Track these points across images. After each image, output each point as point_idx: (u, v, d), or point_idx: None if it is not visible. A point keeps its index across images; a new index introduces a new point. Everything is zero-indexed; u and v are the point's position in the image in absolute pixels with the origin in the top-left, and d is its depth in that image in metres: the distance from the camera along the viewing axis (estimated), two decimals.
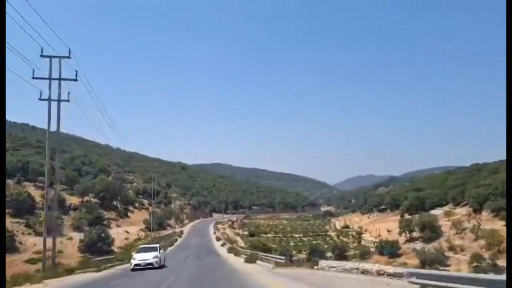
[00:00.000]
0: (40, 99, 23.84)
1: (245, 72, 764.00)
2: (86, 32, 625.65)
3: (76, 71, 24.27)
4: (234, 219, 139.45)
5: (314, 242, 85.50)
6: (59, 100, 24.33)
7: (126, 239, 74.56)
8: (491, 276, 12.96)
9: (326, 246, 76.74)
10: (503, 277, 8.33)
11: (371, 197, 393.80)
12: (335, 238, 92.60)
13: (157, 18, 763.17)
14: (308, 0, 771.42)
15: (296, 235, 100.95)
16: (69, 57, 23.86)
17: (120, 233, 77.60)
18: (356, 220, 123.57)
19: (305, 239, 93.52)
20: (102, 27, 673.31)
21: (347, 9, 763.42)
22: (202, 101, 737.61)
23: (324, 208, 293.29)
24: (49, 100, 23.91)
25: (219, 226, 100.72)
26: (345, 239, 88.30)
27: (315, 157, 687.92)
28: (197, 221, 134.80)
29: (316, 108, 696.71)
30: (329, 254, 60.55)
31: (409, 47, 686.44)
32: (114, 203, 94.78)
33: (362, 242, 79.46)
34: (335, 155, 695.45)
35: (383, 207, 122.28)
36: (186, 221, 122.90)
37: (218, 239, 68.19)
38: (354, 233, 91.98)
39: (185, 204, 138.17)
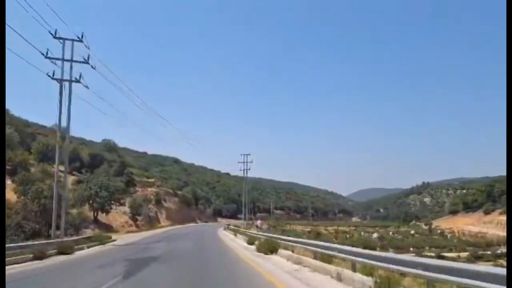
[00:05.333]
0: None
1: (257, 84, 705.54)
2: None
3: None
4: (258, 223, 75.49)
5: None
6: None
7: None
8: None
9: None
10: None
11: (404, 204, 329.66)
12: None
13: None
14: (323, 12, 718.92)
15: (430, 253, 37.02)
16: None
17: None
18: None
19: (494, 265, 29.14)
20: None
21: (357, 20, 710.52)
22: (201, 103, 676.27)
23: (355, 218, 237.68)
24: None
25: (238, 232, 38.04)
26: None
27: (322, 168, 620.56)
28: (190, 224, 70.40)
29: (321, 119, 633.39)
30: None
31: (425, 56, 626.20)
32: None
33: None
34: (342, 167, 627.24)
35: None
36: (163, 223, 58.68)
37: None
38: None
39: (166, 193, 73.67)
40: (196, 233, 39.09)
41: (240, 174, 67.52)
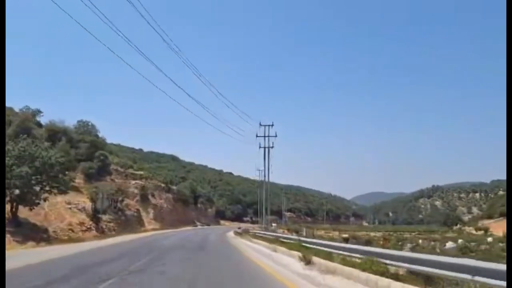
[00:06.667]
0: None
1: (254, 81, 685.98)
2: None
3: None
4: (274, 226, 59.39)
5: None
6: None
7: None
8: None
9: None
10: None
11: (413, 208, 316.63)
12: None
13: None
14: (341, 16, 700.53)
15: None
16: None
17: None
18: None
19: None
20: None
21: (363, 21, 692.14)
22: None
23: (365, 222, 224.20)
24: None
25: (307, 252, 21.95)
26: None
27: (323, 171, 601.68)
28: (186, 228, 54.29)
29: (322, 120, 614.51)
30: None
31: (426, 54, 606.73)
32: None
33: None
34: (343, 170, 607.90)
35: None
36: (148, 225, 42.59)
37: None
38: None
39: (155, 187, 57.48)
40: (188, 248, 19.47)
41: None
